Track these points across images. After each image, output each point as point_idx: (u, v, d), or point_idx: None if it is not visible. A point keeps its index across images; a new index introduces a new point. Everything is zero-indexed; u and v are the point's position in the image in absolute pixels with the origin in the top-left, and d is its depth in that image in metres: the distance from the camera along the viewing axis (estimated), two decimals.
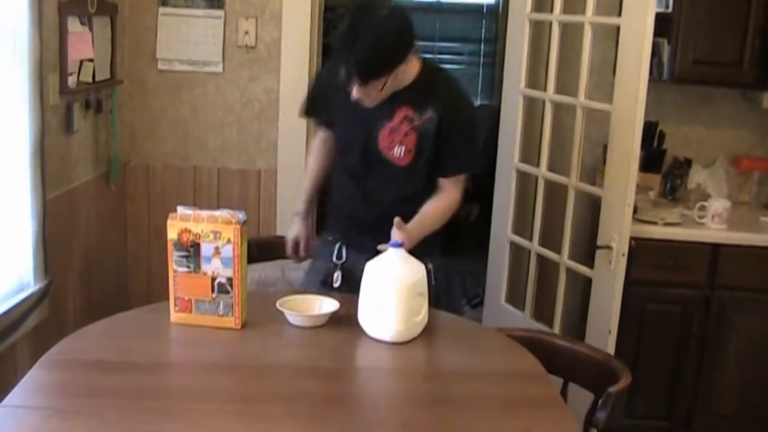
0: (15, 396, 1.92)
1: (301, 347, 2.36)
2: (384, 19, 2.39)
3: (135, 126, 4.02)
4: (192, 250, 2.33)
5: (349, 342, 2.36)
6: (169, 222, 2.34)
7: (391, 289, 2.30)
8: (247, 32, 3.91)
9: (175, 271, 2.36)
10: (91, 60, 3.47)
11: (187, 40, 3.93)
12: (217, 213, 2.33)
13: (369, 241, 2.49)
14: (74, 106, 3.34)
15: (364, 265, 2.37)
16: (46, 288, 3.04)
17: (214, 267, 2.33)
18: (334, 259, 2.82)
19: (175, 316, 2.39)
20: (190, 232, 2.32)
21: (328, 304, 2.47)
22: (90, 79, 3.48)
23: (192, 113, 4.01)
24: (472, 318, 4.35)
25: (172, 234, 2.33)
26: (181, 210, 2.35)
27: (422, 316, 2.36)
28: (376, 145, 2.61)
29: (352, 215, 2.79)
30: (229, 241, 2.31)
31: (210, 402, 1.98)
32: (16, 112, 2.86)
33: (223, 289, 2.34)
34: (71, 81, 3.30)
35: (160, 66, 3.97)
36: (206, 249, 2.32)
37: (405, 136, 2.57)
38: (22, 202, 2.92)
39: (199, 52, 3.94)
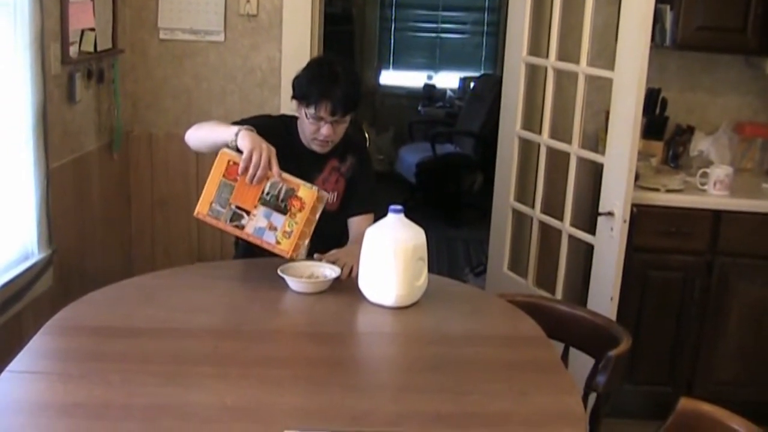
0: (20, 361, 1.95)
1: (303, 313, 2.38)
2: (349, 64, 2.83)
3: (137, 95, 4.02)
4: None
5: (350, 307, 2.38)
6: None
7: (392, 253, 2.31)
8: (248, 1, 3.90)
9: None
10: (92, 29, 3.46)
11: (189, 9, 3.91)
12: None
13: None
14: (76, 75, 3.34)
15: None
16: (50, 257, 3.05)
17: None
18: None
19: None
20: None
21: (329, 270, 2.49)
22: (91, 49, 3.47)
23: (194, 82, 4.01)
24: (476, 286, 4.37)
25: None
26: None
27: (422, 280, 2.38)
28: None
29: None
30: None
31: (212, 366, 2.00)
32: (17, 82, 2.86)
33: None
34: (73, 51, 3.29)
35: (161, 35, 3.96)
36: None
37: (335, 183, 2.84)
38: (26, 171, 2.92)
39: (201, 21, 3.92)
